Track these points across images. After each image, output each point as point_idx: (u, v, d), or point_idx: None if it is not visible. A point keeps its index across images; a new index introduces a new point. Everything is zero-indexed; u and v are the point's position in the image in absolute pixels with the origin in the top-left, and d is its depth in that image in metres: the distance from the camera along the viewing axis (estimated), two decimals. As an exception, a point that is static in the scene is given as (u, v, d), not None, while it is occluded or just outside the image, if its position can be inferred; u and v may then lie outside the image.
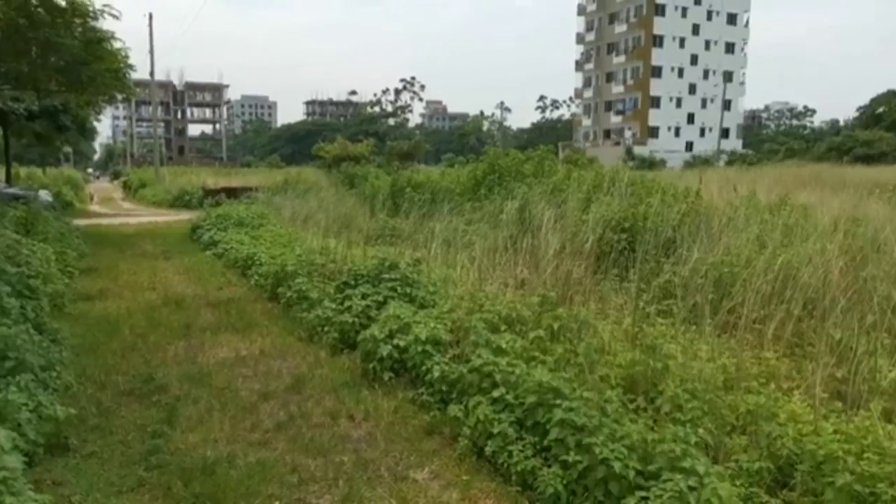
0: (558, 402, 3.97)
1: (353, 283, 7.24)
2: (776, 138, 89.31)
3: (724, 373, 4.78)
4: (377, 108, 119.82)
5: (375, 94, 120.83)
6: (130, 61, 16.42)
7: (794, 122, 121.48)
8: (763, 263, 6.63)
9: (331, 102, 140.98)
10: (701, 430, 3.78)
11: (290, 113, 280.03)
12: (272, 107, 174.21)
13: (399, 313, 6.05)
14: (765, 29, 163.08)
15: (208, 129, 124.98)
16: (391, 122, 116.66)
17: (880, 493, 3.07)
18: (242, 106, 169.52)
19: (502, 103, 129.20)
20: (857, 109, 79.69)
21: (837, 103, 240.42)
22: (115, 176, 63.01)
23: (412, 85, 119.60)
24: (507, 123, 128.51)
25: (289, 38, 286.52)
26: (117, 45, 15.29)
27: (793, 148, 64.24)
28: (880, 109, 71.66)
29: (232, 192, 25.34)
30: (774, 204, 10.39)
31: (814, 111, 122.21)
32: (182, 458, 4.32)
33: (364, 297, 6.84)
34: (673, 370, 4.66)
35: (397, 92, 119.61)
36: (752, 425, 4.08)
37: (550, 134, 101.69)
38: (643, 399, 4.48)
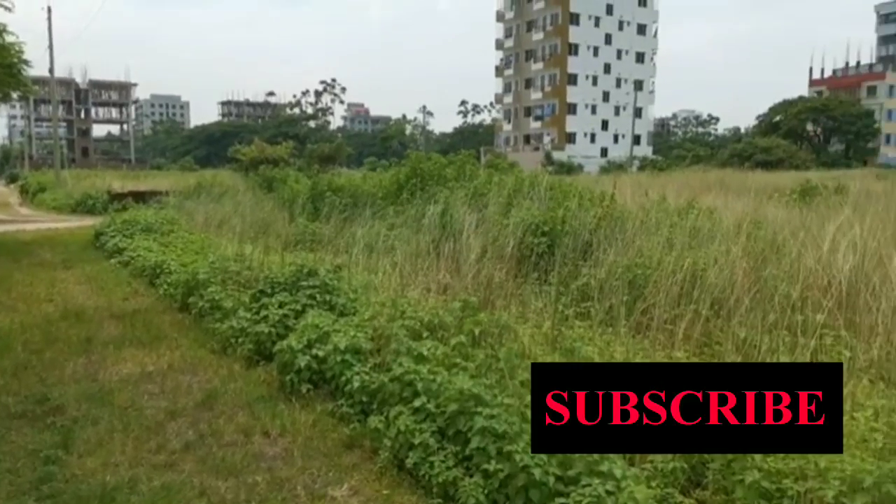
0: (479, 409, 3.94)
1: (269, 291, 6.97)
2: (683, 145, 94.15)
3: (639, 373, 4.91)
4: (297, 110, 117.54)
5: (295, 96, 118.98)
6: (26, 56, 15.28)
7: (700, 129, 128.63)
8: (672, 265, 6.89)
9: (248, 103, 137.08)
10: (618, 433, 3.83)
11: (204, 114, 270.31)
12: (185, 107, 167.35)
13: (318, 322, 5.86)
14: (672, 40, 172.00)
15: (115, 129, 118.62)
16: (312, 124, 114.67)
17: (786, 488, 3.19)
18: (152, 106, 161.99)
19: (425, 107, 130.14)
20: (757, 118, 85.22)
21: (739, 112, 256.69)
22: (12, 179, 58.59)
23: (333, 87, 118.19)
24: (430, 127, 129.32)
25: (202, 36, 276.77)
26: (10, 38, 14.21)
27: (699, 154, 67.88)
28: (777, 118, 76.96)
29: (140, 197, 24.07)
30: (683, 207, 10.85)
31: (717, 119, 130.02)
32: (78, 486, 3.98)
33: (281, 305, 6.59)
34: (591, 373, 4.73)
35: (318, 94, 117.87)
36: (666, 425, 4.19)
37: (473, 139, 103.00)
38: (563, 403, 4.52)
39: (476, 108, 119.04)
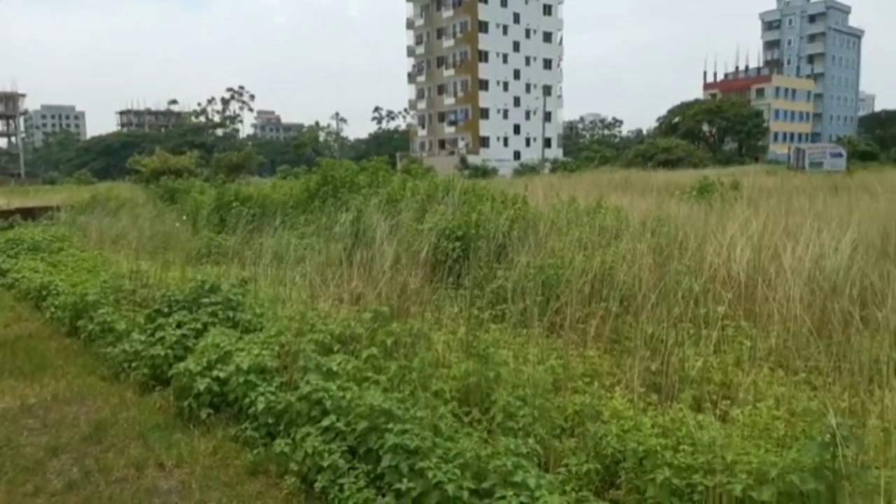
0: (391, 425, 3.76)
1: (167, 310, 6.50)
2: (591, 147, 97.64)
3: (552, 374, 4.88)
4: (202, 119, 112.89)
5: (200, 104, 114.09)
6: None
7: (606, 131, 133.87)
8: (583, 264, 6.97)
9: (149, 112, 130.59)
10: (531, 440, 3.76)
11: (101, 124, 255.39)
12: (80, 117, 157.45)
13: (219, 341, 5.49)
14: (578, 48, 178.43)
15: (3, 142, 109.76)
16: (219, 132, 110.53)
17: (696, 483, 3.20)
18: (44, 117, 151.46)
19: (338, 114, 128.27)
20: (657, 120, 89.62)
21: (641, 114, 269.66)
22: None
23: (241, 94, 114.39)
24: (344, 134, 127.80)
25: (98, 43, 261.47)
26: None
27: (605, 155, 70.67)
28: (676, 119, 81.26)
29: (29, 213, 22.21)
30: (592, 207, 11.10)
31: (621, 122, 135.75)
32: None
33: (179, 325, 6.15)
34: (505, 377, 4.66)
35: (225, 101, 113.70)
36: (579, 426, 4.17)
37: (388, 144, 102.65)
38: (478, 410, 4.41)
39: (391, 114, 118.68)
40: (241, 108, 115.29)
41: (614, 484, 3.65)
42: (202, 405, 4.95)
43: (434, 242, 8.91)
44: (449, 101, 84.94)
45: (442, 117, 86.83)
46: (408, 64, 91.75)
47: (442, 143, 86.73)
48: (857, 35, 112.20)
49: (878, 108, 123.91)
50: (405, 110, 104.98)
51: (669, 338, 5.29)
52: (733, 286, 6.76)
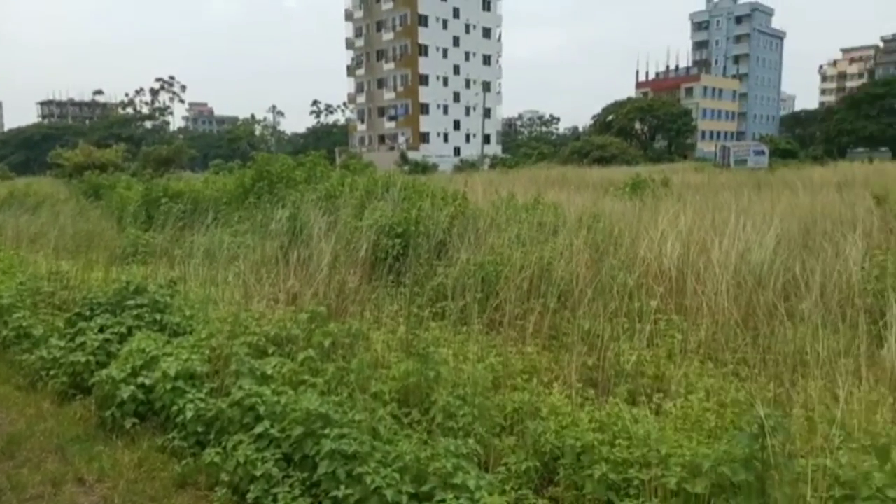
0: (328, 430, 3.65)
1: (88, 313, 6.14)
2: (529, 143, 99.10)
3: (492, 372, 4.87)
4: (130, 110, 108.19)
5: (128, 95, 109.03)
6: None
7: (543, 128, 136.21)
8: (521, 260, 7.02)
9: (72, 103, 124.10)
10: (471, 440, 3.73)
11: (20, 115, 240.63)
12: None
13: (145, 346, 5.23)
14: (517, 45, 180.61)
15: None
16: (148, 125, 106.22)
17: (632, 478, 3.25)
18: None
19: (275, 107, 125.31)
20: (592, 117, 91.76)
21: (577, 112, 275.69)
22: None
23: (171, 85, 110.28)
24: (281, 128, 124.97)
25: (17, 29, 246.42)
26: None
27: (543, 152, 71.80)
28: (609, 117, 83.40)
29: (-64, 210, 20.70)
30: (530, 203, 11.22)
31: (558, 119, 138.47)
32: None
33: (102, 329, 5.82)
34: (445, 376, 4.62)
35: (154, 92, 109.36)
36: (519, 424, 4.17)
37: (327, 139, 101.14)
38: (417, 411, 4.36)
39: (329, 108, 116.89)
40: (172, 100, 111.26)
41: (553, 481, 3.66)
42: (126, 414, 4.70)
43: (374, 240, 8.79)
44: (389, 95, 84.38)
45: (382, 112, 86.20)
46: (347, 57, 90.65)
47: (382, 138, 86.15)
48: (779, 37, 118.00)
49: (797, 108, 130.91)
50: (344, 104, 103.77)
51: (605, 332, 5.38)
52: (665, 280, 6.95)
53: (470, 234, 8.74)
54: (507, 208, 10.36)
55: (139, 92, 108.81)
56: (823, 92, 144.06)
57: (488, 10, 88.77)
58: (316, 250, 8.49)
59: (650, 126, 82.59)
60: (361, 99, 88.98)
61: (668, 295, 6.45)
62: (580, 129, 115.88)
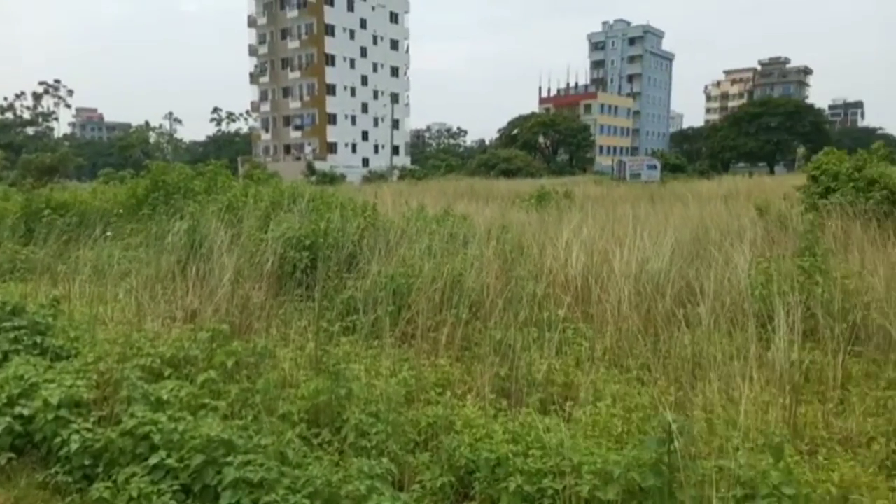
0: (231, 457, 3.44)
1: (-46, 338, 5.51)
2: (438, 155, 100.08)
3: (405, 387, 4.79)
4: (9, 115, 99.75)
5: (6, 99, 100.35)
6: None
7: (451, 140, 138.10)
8: (433, 272, 6.99)
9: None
10: (385, 459, 3.63)
11: None
12: None
13: (23, 372, 4.74)
14: (425, 58, 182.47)
15: None
16: (30, 131, 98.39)
17: (546, 488, 3.26)
18: None
19: (171, 114, 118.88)
20: (498, 131, 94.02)
21: (484, 125, 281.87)
22: None
23: (56, 89, 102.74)
24: (178, 136, 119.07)
25: None
26: None
27: (451, 164, 72.70)
28: (515, 131, 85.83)
29: None
30: (440, 215, 11.26)
31: (466, 132, 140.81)
32: None
33: (-29, 355, 5.24)
34: (357, 393, 4.49)
35: (37, 96, 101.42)
36: (433, 439, 4.11)
37: (229, 148, 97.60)
38: (328, 431, 4.20)
39: (231, 116, 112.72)
40: (57, 105, 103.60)
41: (469, 496, 3.62)
42: (2, 448, 4.23)
43: (280, 252, 8.48)
44: (295, 104, 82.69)
45: (287, 121, 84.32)
46: (250, 64, 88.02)
47: (287, 148, 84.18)
48: (668, 58, 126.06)
49: (685, 125, 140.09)
50: (247, 112, 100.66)
51: (516, 342, 5.43)
52: (571, 289, 7.15)
53: (381, 246, 8.64)
54: (418, 220, 10.34)
55: (20, 96, 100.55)
56: (708, 111, 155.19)
57: (396, 22, 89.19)
58: (217, 264, 8.07)
59: (553, 140, 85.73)
60: (266, 107, 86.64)
61: (575, 303, 6.63)
62: (487, 142, 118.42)
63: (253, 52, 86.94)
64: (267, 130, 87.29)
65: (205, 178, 14.00)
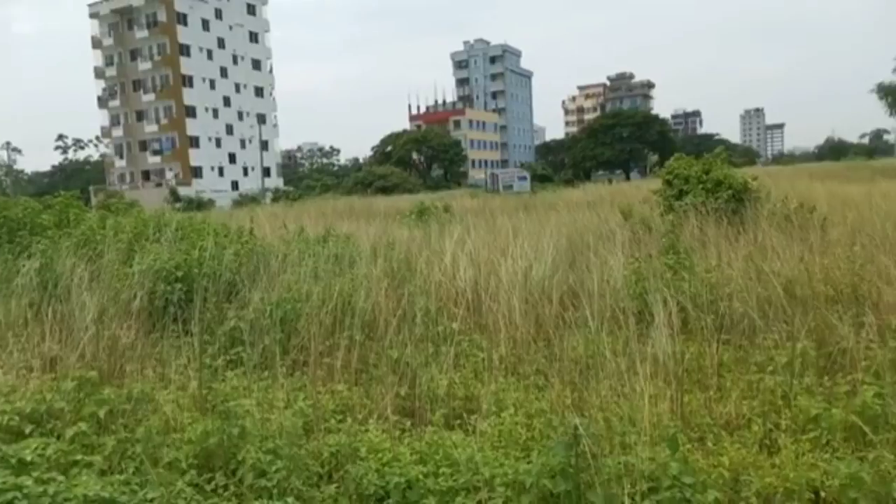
0: (114, 518, 3.08)
1: None
2: (311, 175, 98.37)
3: (302, 417, 4.57)
4: None
5: None
6: None
7: (324, 160, 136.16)
8: (321, 295, 6.79)
9: None
10: (290, 499, 3.43)
11: None
12: None
13: None
14: (292, 76, 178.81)
15: None
16: None
17: (460, 505, 3.22)
18: None
19: (9, 143, 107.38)
20: (372, 148, 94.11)
21: (357, 143, 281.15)
22: None
23: None
24: (18, 167, 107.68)
25: None
26: None
27: (326, 183, 71.76)
28: (388, 148, 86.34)
29: None
30: (322, 236, 11.00)
31: (339, 150, 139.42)
32: None
33: None
34: (251, 430, 4.22)
35: None
36: (337, 469, 3.95)
37: (78, 177, 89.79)
38: (222, 475, 3.90)
39: (79, 143, 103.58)
40: None
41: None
42: None
43: (150, 287, 7.86)
44: (151, 128, 77.86)
45: (144, 146, 79.19)
46: (97, 87, 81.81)
47: (147, 175, 79.03)
48: (527, 76, 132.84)
49: (548, 137, 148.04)
50: (97, 138, 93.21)
51: (414, 360, 5.38)
52: (462, 301, 7.22)
53: (262, 272, 8.27)
54: (299, 242, 10.03)
55: None
56: (567, 123, 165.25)
57: (256, 41, 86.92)
58: (77, 304, 7.33)
59: (426, 156, 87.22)
60: (118, 132, 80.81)
61: (468, 315, 6.70)
62: (361, 160, 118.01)
63: (100, 74, 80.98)
64: (121, 157, 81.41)
65: (54, 211, 12.71)
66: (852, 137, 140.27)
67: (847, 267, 6.75)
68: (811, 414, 3.87)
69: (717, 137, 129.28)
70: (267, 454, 3.91)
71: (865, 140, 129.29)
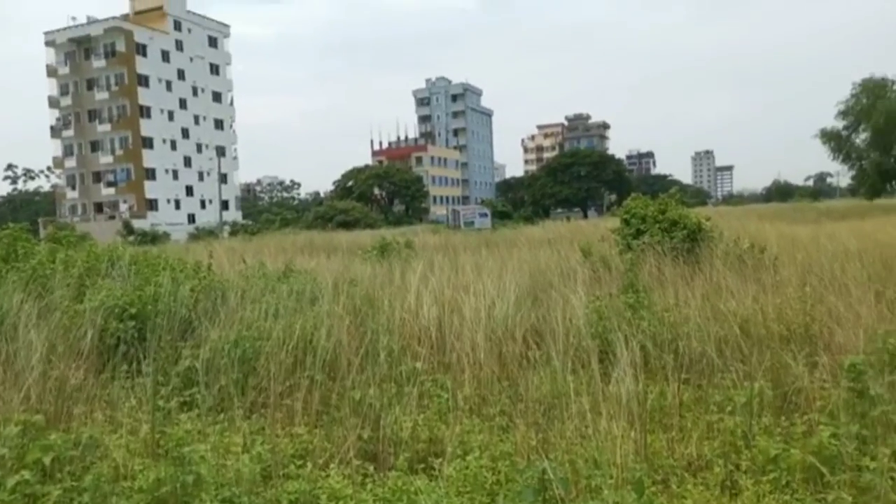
0: (58, 577, 2.89)
1: None
2: (271, 209, 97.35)
3: (260, 463, 4.42)
4: None
5: None
6: None
7: (285, 193, 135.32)
8: (281, 333, 6.65)
9: None
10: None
11: None
12: None
13: None
14: (252, 110, 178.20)
15: None
16: None
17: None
18: None
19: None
20: (333, 183, 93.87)
21: (318, 178, 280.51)
22: None
23: None
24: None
25: None
26: None
27: (286, 218, 71.00)
28: (350, 183, 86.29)
29: None
30: (282, 272, 10.83)
31: (299, 184, 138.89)
32: None
33: None
34: (206, 478, 4.05)
35: None
36: (298, 518, 3.82)
37: (27, 208, 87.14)
38: (176, 526, 3.73)
39: (29, 174, 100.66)
40: None
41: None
42: None
43: (101, 325, 7.57)
44: (106, 159, 76.17)
45: (98, 177, 77.32)
46: (50, 116, 79.89)
47: (100, 207, 76.99)
48: (488, 114, 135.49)
49: (508, 175, 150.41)
50: (49, 169, 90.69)
51: (377, 401, 5.29)
52: (426, 340, 7.17)
53: (220, 309, 8.06)
54: (259, 278, 9.84)
55: None
56: (527, 161, 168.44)
57: (217, 74, 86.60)
58: (23, 343, 7.01)
59: (388, 191, 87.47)
60: (71, 163, 78.78)
61: (431, 354, 6.65)
62: (322, 195, 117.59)
63: (54, 103, 79.21)
64: (73, 188, 79.22)
65: (1, 244, 12.22)
66: (798, 180, 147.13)
67: (799, 307, 6.96)
68: (770, 454, 3.93)
69: (670, 178, 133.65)
70: (222, 503, 3.75)
71: (810, 182, 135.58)
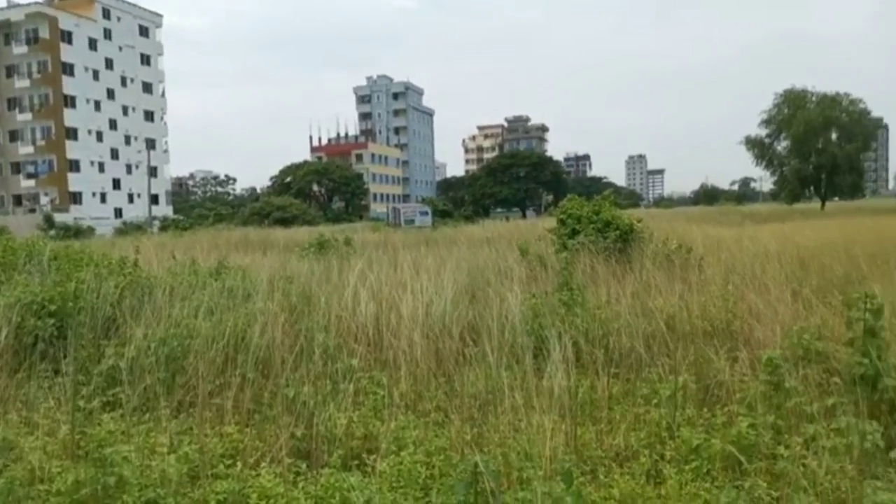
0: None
1: None
2: (204, 204, 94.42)
3: (187, 463, 4.29)
4: None
5: None
6: None
7: (219, 189, 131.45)
8: (211, 331, 6.47)
9: None
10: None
11: None
12: None
13: None
14: (183, 102, 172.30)
15: None
16: None
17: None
18: None
19: None
20: (270, 179, 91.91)
21: (254, 173, 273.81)
22: None
23: None
24: None
25: None
26: None
27: (221, 213, 68.92)
28: (288, 179, 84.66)
29: None
30: (215, 268, 10.52)
31: (235, 179, 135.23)
32: None
33: None
34: (129, 479, 3.89)
35: None
36: (224, 519, 3.72)
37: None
38: (95, 531, 3.57)
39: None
40: None
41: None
42: None
43: (17, 322, 7.16)
44: (26, 149, 72.07)
45: (17, 168, 73.00)
46: (-36, 103, 74.91)
47: (18, 199, 72.78)
48: (429, 113, 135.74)
49: (448, 174, 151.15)
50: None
51: (311, 398, 5.21)
52: (362, 337, 7.11)
53: (146, 306, 7.76)
54: (189, 275, 9.52)
55: None
56: (467, 161, 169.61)
57: (148, 64, 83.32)
58: (-72, 342, 6.56)
59: (327, 188, 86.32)
60: (-13, 153, 74.13)
61: (368, 352, 6.60)
62: (259, 190, 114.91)
63: (-32, 89, 74.32)
64: (-11, 179, 74.58)
65: None
66: (724, 184, 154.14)
67: (722, 304, 7.29)
68: (693, 444, 4.10)
69: (605, 180, 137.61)
70: (147, 505, 3.62)
71: (735, 187, 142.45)
